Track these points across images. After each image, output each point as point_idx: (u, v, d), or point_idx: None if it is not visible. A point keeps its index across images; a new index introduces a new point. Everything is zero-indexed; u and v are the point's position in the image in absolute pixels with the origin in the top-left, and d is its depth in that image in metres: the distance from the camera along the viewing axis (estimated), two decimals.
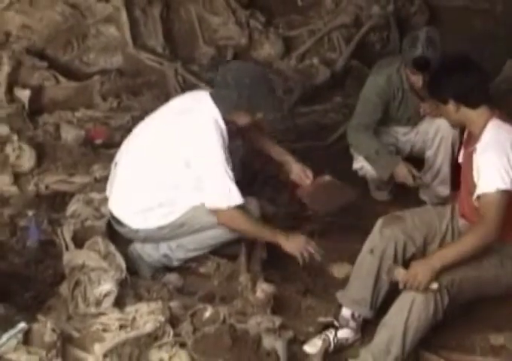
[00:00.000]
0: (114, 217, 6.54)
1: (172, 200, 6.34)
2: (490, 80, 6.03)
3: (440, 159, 7.21)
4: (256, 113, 6.36)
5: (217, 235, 6.46)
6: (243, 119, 6.36)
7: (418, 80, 6.96)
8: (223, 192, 6.22)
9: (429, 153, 7.22)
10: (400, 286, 5.62)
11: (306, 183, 6.66)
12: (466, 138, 5.98)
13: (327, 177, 6.67)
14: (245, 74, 6.30)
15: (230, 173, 6.20)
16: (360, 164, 7.39)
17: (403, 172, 6.99)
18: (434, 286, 5.51)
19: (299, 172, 6.73)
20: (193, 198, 6.31)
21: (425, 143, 7.23)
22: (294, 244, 6.31)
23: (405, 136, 7.36)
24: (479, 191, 5.63)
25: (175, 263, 6.54)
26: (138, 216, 6.40)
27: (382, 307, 5.93)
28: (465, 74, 5.74)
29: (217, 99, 6.30)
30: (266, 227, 6.39)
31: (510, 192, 5.57)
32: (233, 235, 6.47)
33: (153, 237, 6.40)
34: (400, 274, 5.63)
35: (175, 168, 6.30)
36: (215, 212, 6.26)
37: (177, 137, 6.31)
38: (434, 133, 7.18)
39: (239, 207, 6.26)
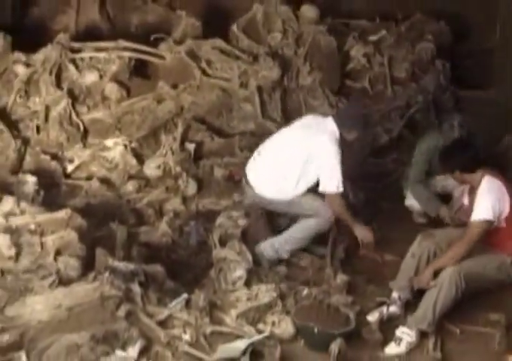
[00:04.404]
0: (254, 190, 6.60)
1: (290, 182, 6.42)
2: (480, 155, 6.02)
3: (463, 197, 7.08)
4: (360, 133, 6.52)
5: (311, 226, 6.46)
6: (352, 136, 6.48)
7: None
8: (336, 181, 6.30)
9: (456, 193, 7.05)
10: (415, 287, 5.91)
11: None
12: (469, 189, 6.02)
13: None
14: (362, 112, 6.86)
15: (340, 171, 6.28)
16: (410, 203, 7.26)
17: (444, 213, 6.89)
18: (433, 283, 5.64)
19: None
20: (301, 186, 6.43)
21: (453, 188, 7.03)
22: (362, 232, 6.44)
23: (441, 184, 7.21)
24: (471, 218, 5.73)
25: (284, 255, 6.50)
26: (271, 189, 6.47)
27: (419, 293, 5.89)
28: (461, 155, 5.88)
29: (340, 121, 6.46)
30: (350, 214, 6.42)
31: (492, 221, 5.67)
32: (322, 228, 6.48)
33: (277, 207, 6.53)
34: (415, 282, 5.87)
35: (296, 161, 6.40)
36: (326, 194, 6.36)
37: (303, 141, 6.43)
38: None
39: (340, 194, 6.35)
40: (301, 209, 6.51)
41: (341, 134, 6.46)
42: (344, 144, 6.49)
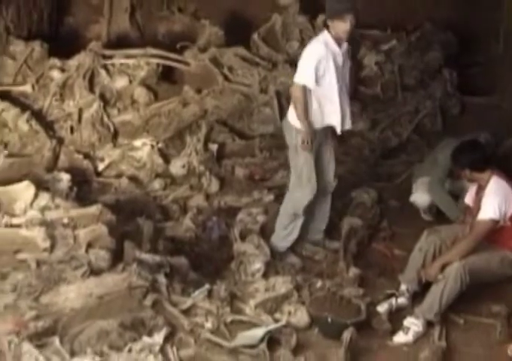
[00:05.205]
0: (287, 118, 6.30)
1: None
2: (490, 155, 5.99)
3: (472, 196, 6.95)
4: (345, 18, 5.92)
5: (290, 200, 6.31)
6: (347, 23, 5.94)
7: None
8: (303, 73, 5.96)
9: (465, 193, 6.89)
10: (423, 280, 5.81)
11: None
12: (477, 189, 5.93)
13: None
14: None
15: (312, 68, 5.92)
16: (413, 199, 7.12)
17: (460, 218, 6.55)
18: (440, 276, 5.58)
19: None
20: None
21: (463, 188, 6.88)
22: (303, 135, 5.99)
23: (454, 185, 7.07)
24: (478, 217, 5.67)
25: (289, 241, 6.40)
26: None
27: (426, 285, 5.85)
28: (473, 154, 5.80)
29: (330, 11, 6.03)
30: (307, 117, 6.00)
31: (498, 221, 5.62)
32: (302, 201, 6.24)
33: (289, 146, 6.27)
34: (423, 274, 5.79)
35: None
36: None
37: None
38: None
39: (305, 89, 5.96)
40: (295, 160, 6.26)
41: (338, 35, 6.02)
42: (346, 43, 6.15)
